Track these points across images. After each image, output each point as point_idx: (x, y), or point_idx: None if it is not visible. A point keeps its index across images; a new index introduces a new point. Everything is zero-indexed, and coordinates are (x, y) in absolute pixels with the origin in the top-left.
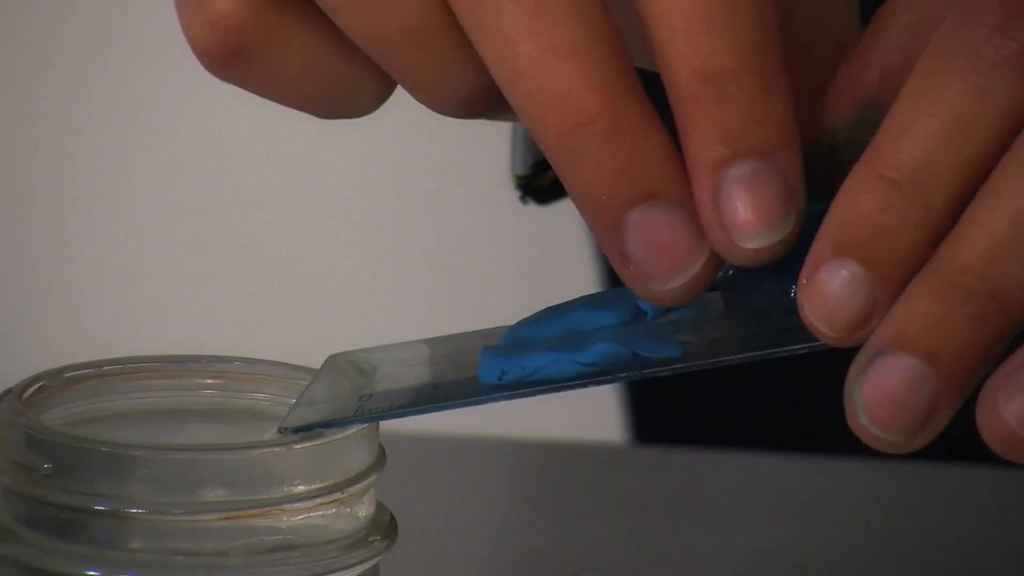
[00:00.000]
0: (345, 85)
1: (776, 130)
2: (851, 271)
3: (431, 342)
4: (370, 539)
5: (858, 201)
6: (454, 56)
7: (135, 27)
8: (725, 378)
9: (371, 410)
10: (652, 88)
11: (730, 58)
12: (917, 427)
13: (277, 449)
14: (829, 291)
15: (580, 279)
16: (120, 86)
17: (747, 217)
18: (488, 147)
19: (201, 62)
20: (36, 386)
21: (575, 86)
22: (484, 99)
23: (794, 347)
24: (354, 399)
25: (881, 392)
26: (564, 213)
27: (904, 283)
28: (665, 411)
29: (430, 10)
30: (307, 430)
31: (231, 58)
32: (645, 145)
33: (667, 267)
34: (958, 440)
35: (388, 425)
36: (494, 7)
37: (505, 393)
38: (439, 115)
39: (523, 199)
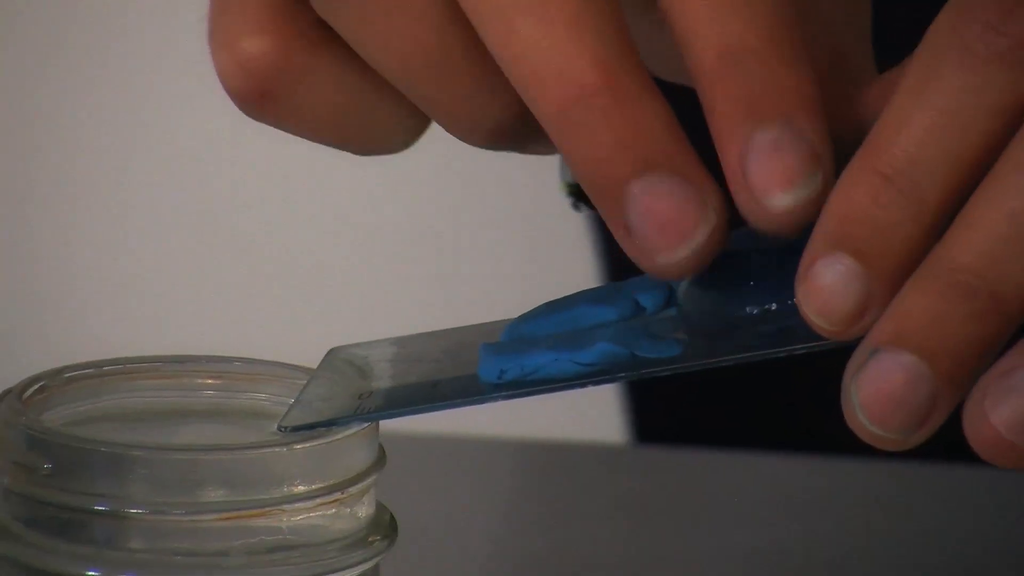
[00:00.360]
0: (377, 122)
1: (798, 97)
2: (845, 265)
3: (431, 336)
4: (370, 539)
5: (852, 195)
6: (478, 81)
7: (135, 27)
8: (725, 378)
9: (370, 409)
10: (672, 102)
11: (749, 36)
12: (914, 425)
13: (277, 449)
14: (824, 285)
15: (581, 276)
16: (120, 86)
17: (773, 179)
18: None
19: (234, 103)
20: (36, 386)
21: (574, 60)
22: (513, 127)
23: (793, 347)
24: (354, 397)
25: (879, 389)
26: (566, 212)
27: (899, 277)
28: (665, 411)
29: (451, 33)
30: (307, 429)
31: (262, 99)
32: (645, 116)
33: (671, 238)
34: (958, 440)
35: (388, 425)
36: None
37: (504, 392)
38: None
39: (575, 205)
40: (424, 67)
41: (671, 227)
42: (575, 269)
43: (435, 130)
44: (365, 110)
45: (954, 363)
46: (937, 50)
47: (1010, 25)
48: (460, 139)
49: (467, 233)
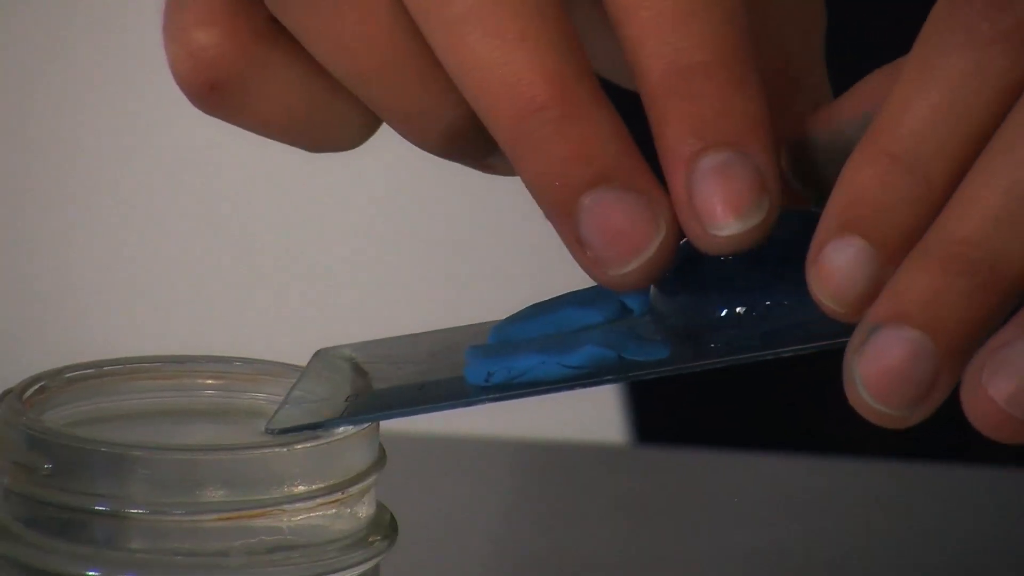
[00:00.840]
0: (328, 118)
1: (747, 121)
2: (856, 247)
3: (418, 337)
4: (370, 539)
5: (860, 177)
6: (429, 84)
7: (136, 25)
8: (725, 378)
9: (358, 411)
10: (620, 105)
11: (700, 52)
12: (917, 400)
13: (277, 449)
14: (834, 268)
15: (580, 277)
16: (120, 85)
17: (719, 206)
18: None
19: (184, 94)
20: (36, 386)
21: (525, 73)
22: (465, 134)
23: (780, 350)
24: (341, 399)
25: (881, 366)
26: None
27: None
28: (665, 411)
29: (400, 36)
30: (294, 431)
31: (212, 91)
32: (596, 130)
33: (622, 251)
34: (958, 440)
35: (388, 425)
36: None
37: (492, 395)
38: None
39: None
40: (373, 68)
41: (622, 239)
42: (574, 269)
43: None
44: (316, 108)
45: (955, 336)
46: (940, 30)
47: (1012, 4)
48: (413, 144)
49: (468, 234)
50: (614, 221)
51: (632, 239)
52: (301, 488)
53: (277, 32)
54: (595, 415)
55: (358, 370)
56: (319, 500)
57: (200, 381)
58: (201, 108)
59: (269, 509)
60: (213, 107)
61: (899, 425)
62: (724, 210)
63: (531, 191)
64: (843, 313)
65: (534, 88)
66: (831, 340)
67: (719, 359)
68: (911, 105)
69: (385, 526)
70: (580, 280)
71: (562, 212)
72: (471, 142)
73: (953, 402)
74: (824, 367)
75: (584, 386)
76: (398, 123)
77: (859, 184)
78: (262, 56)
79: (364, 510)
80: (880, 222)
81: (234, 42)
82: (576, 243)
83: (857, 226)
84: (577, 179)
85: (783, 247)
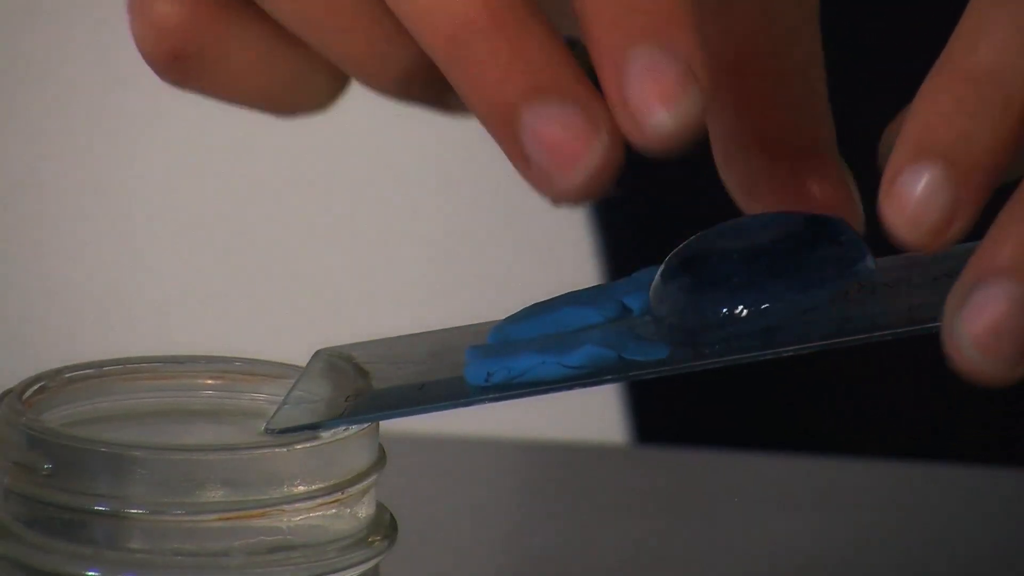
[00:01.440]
0: (293, 80)
1: (673, 16)
2: (932, 174)
3: (417, 337)
4: (370, 539)
5: (936, 102)
6: (379, 26)
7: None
8: (725, 378)
9: (358, 411)
10: (659, 177)
11: None
12: (1022, 352)
13: (277, 449)
14: (910, 195)
15: (581, 276)
16: (118, 84)
17: (650, 99)
18: (483, 140)
19: (149, 66)
20: (36, 386)
21: None
22: (421, 78)
23: (780, 350)
24: (341, 399)
25: (986, 322)
26: (565, 211)
27: (985, 184)
28: (665, 411)
29: None
30: (294, 431)
31: (175, 60)
32: (531, 42)
33: (564, 162)
34: (958, 440)
35: (388, 425)
36: None
37: (491, 395)
38: (437, 113)
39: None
40: (325, 14)
41: (563, 150)
42: (574, 269)
43: (428, 130)
44: (279, 69)
45: None
46: None
47: None
48: (375, 91)
49: (468, 234)
50: (553, 133)
51: (573, 149)
52: (301, 488)
53: None
54: (595, 415)
55: (358, 370)
56: (319, 500)
57: (200, 381)
58: (166, 79)
59: (269, 509)
60: (178, 77)
61: (1002, 383)
62: (656, 103)
63: (471, 108)
64: (920, 242)
65: (467, 6)
66: (831, 340)
67: (719, 359)
68: (987, 29)
69: (385, 526)
70: (580, 280)
71: (504, 129)
72: (427, 84)
73: (955, 403)
74: (824, 367)
75: (584, 386)
76: (356, 69)
77: (935, 108)
78: (223, 22)
79: (364, 510)
80: (957, 147)
81: (195, 9)
82: (521, 159)
83: (933, 152)
84: (514, 92)
85: (783, 247)
